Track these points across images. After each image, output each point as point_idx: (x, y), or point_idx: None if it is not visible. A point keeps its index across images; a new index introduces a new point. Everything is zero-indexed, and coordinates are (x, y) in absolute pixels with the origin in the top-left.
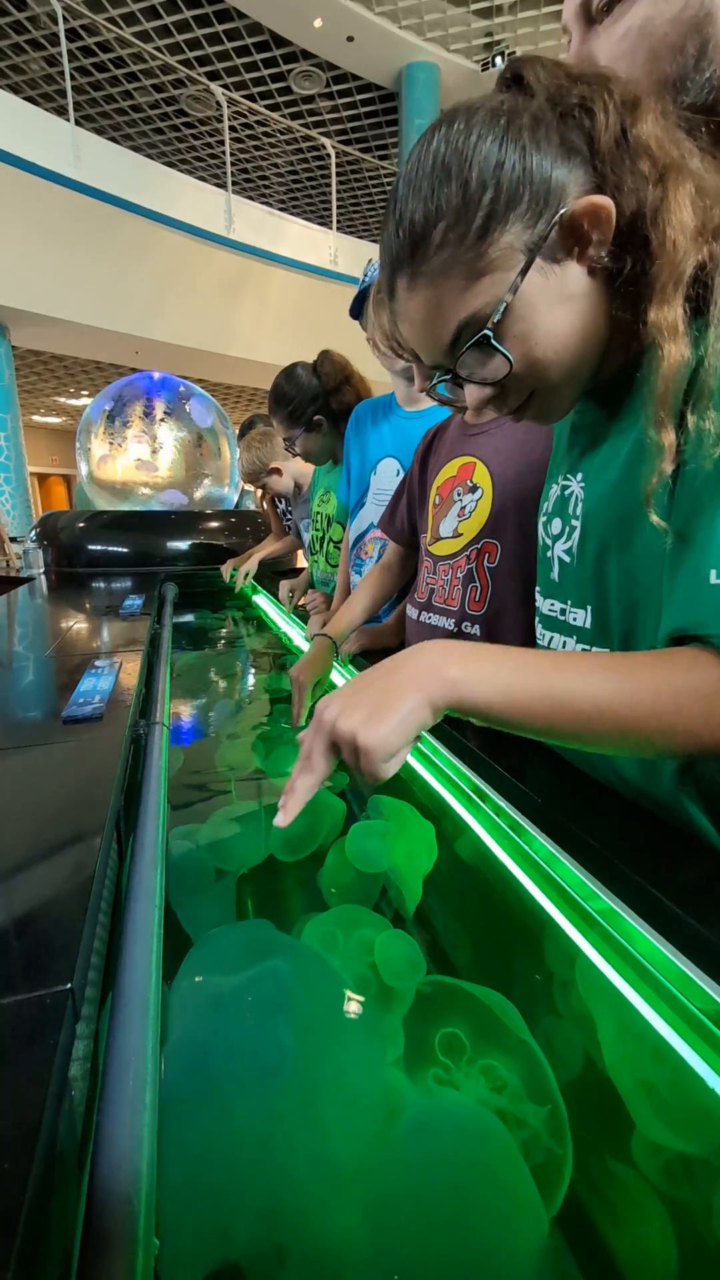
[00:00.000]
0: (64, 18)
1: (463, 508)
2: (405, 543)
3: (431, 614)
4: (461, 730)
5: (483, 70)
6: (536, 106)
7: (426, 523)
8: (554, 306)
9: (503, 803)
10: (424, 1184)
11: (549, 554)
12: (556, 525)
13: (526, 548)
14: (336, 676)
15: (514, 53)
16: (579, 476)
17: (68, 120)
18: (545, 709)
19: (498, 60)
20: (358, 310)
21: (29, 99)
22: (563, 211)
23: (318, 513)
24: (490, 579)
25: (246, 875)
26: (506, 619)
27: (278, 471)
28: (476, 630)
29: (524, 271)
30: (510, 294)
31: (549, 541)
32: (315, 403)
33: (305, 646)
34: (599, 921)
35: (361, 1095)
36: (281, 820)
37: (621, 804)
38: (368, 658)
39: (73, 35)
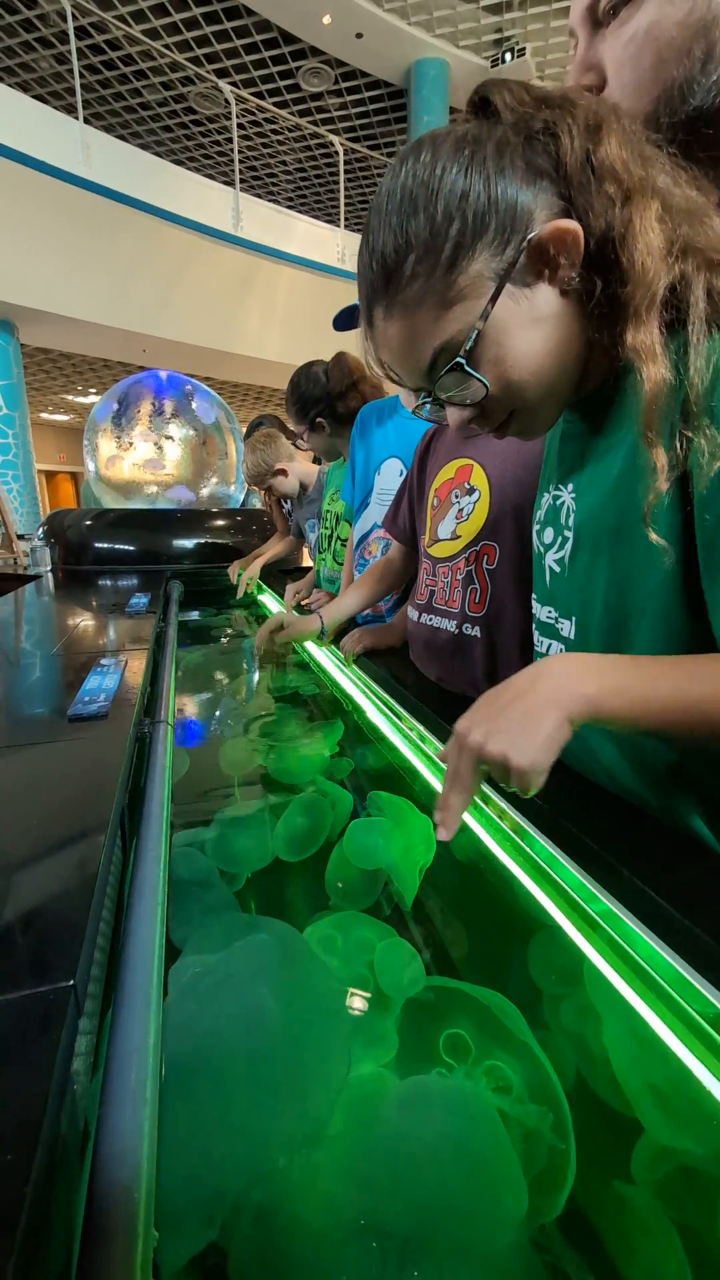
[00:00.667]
0: (73, 15)
1: (460, 510)
2: (407, 542)
3: (432, 615)
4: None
5: (492, 66)
6: (502, 133)
7: (425, 524)
8: (526, 329)
9: (504, 804)
10: (408, 1155)
11: (543, 562)
12: (549, 534)
13: (524, 549)
14: (320, 654)
15: (523, 49)
16: (569, 488)
17: (76, 118)
18: (682, 718)
19: (507, 56)
20: (342, 324)
21: (38, 97)
22: (530, 237)
23: (328, 511)
24: (490, 580)
25: (252, 876)
26: (506, 620)
27: (283, 472)
28: (477, 631)
29: (494, 298)
30: (481, 321)
31: (541, 550)
32: (319, 404)
33: (311, 648)
34: (599, 923)
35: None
36: (444, 836)
37: (621, 806)
38: (371, 657)
39: (81, 33)
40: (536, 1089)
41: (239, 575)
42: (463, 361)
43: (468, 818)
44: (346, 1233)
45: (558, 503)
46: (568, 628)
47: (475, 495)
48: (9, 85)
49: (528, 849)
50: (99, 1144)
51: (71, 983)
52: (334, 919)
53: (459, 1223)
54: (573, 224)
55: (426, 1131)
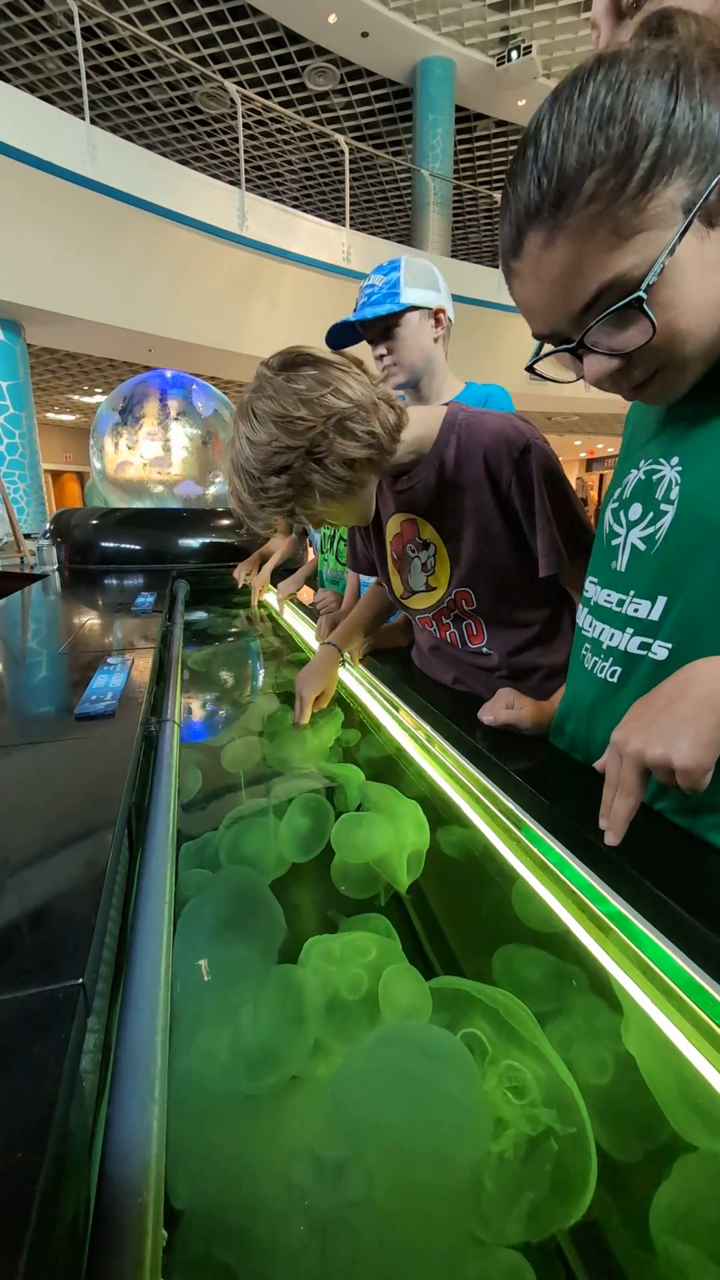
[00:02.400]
0: (80, 16)
1: (424, 564)
2: (373, 574)
3: (439, 657)
4: (471, 731)
5: (498, 65)
6: (704, 53)
7: (389, 575)
8: (704, 275)
9: (511, 804)
10: (380, 1088)
11: (616, 542)
12: (636, 510)
13: (500, 578)
14: (351, 680)
15: (529, 47)
16: (674, 460)
17: (83, 119)
18: None
19: (513, 55)
20: (335, 342)
21: (45, 98)
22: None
23: None
24: (480, 615)
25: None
26: (511, 636)
27: None
28: (483, 648)
29: (683, 232)
30: (668, 255)
31: (619, 529)
32: None
33: (316, 645)
34: (609, 925)
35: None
36: (613, 841)
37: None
38: (378, 658)
39: (88, 34)
40: (550, 1092)
41: (246, 578)
42: (643, 296)
43: (472, 815)
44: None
45: (655, 477)
46: (646, 609)
47: (431, 549)
48: (16, 86)
49: (534, 848)
50: (108, 1142)
51: (80, 981)
52: (333, 944)
53: (404, 1154)
54: None
55: (391, 1066)
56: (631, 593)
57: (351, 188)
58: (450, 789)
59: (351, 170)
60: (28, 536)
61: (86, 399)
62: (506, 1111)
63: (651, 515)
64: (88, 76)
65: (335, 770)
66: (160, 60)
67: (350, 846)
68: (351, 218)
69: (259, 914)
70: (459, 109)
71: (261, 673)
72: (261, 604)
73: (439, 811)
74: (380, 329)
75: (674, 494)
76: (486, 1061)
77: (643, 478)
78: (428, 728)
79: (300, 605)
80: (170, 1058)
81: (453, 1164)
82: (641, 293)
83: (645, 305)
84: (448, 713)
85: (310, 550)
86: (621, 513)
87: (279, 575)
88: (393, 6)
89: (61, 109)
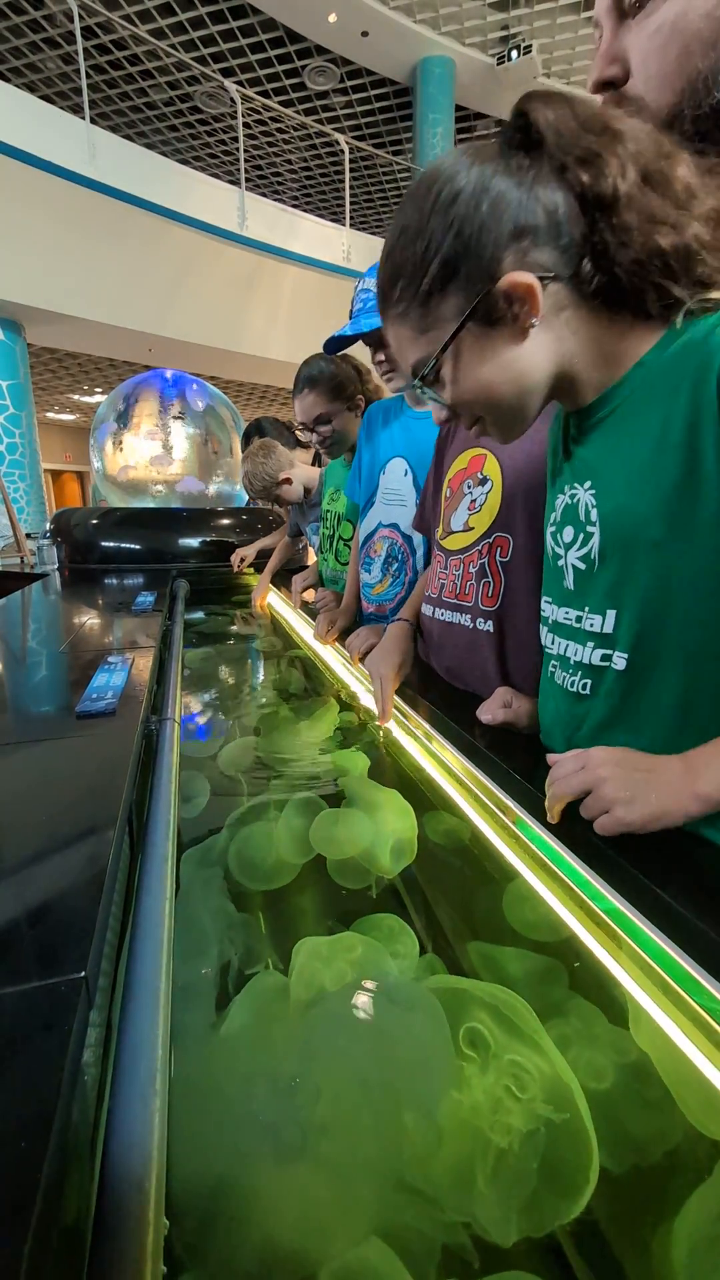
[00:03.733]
0: (79, 15)
1: (473, 500)
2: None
3: (444, 610)
4: (470, 730)
5: (498, 64)
6: (513, 168)
7: (439, 516)
8: (483, 365)
9: (510, 802)
10: (349, 1032)
11: (560, 563)
12: (569, 533)
13: (537, 541)
14: (326, 654)
15: (529, 47)
16: (586, 485)
17: (83, 118)
18: None
19: (513, 54)
20: (334, 348)
21: (45, 97)
22: (491, 287)
23: (328, 510)
24: (503, 573)
25: (262, 876)
26: (519, 613)
27: (288, 481)
28: (490, 626)
29: (454, 335)
30: (440, 353)
31: (560, 550)
32: (353, 382)
33: (316, 646)
34: (606, 921)
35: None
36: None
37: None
38: None
39: (88, 33)
40: (551, 1088)
41: (241, 564)
42: (417, 384)
43: (471, 813)
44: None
45: (574, 500)
46: (600, 622)
47: (488, 485)
48: (15, 85)
49: (533, 846)
50: (110, 1134)
51: (83, 974)
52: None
53: (359, 1083)
54: (526, 279)
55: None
56: (586, 609)
57: (351, 187)
58: (449, 786)
59: (351, 169)
60: (28, 536)
61: (86, 399)
62: (507, 1106)
63: (582, 537)
64: (88, 76)
65: (337, 761)
66: (160, 60)
67: (331, 843)
68: (351, 217)
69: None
70: (459, 108)
71: (261, 671)
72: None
73: (433, 803)
74: (379, 336)
75: (594, 516)
76: (489, 1055)
77: (569, 501)
78: (426, 725)
79: (303, 605)
80: (172, 1050)
81: (405, 1100)
82: (417, 382)
83: (430, 388)
84: (446, 710)
85: (310, 552)
86: (558, 535)
87: (278, 577)
88: (393, 6)
89: (61, 108)
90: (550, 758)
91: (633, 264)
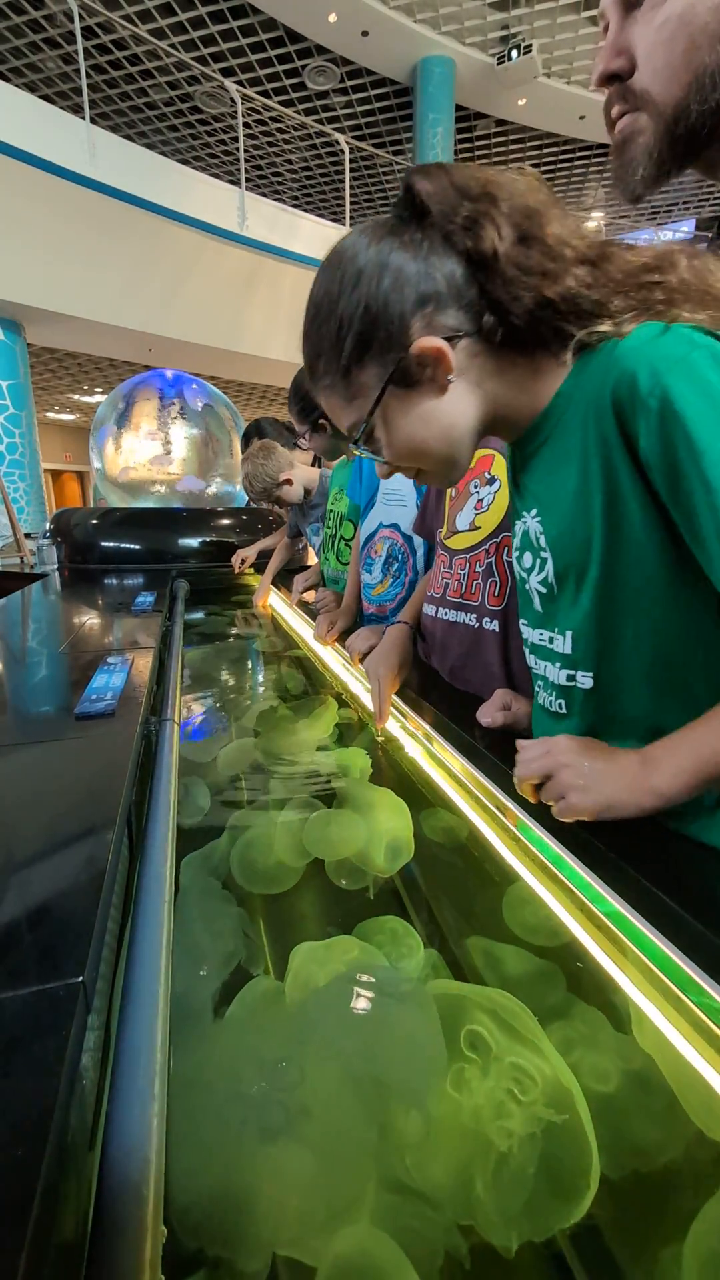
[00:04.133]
0: (80, 15)
1: (480, 500)
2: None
3: (448, 609)
4: (470, 730)
5: (498, 64)
6: (408, 241)
7: (443, 517)
8: (409, 423)
9: (511, 804)
10: (341, 1019)
11: (526, 587)
12: (528, 559)
13: None
14: (326, 654)
15: (529, 46)
16: (534, 512)
17: (83, 118)
18: None
19: (513, 54)
20: None
21: (45, 97)
22: (403, 354)
23: (331, 510)
24: (510, 573)
25: (261, 880)
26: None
27: (288, 482)
28: (495, 626)
29: (378, 400)
30: (369, 417)
31: (524, 575)
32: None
33: (316, 648)
34: (607, 924)
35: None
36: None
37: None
38: None
39: (88, 33)
40: (551, 1091)
41: (242, 566)
42: (353, 445)
43: (472, 814)
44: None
45: (525, 528)
46: (561, 643)
47: (496, 485)
48: (16, 85)
49: (533, 848)
50: (108, 1140)
51: (81, 979)
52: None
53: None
54: (434, 343)
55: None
56: (555, 629)
57: (352, 187)
58: (449, 787)
59: (351, 169)
60: (28, 536)
61: (86, 398)
62: (508, 1110)
63: (539, 563)
64: (88, 76)
65: (336, 761)
66: (160, 60)
67: (324, 844)
68: (352, 217)
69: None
70: (459, 108)
71: (262, 672)
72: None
73: (433, 803)
74: None
75: (543, 542)
76: (491, 1058)
77: (524, 528)
78: (427, 726)
79: (303, 605)
80: (170, 1055)
81: (390, 1090)
82: (351, 445)
83: (363, 446)
84: (446, 712)
85: (310, 552)
86: (520, 561)
87: (279, 578)
88: (392, 6)
89: (61, 108)
90: (519, 742)
91: (526, 314)
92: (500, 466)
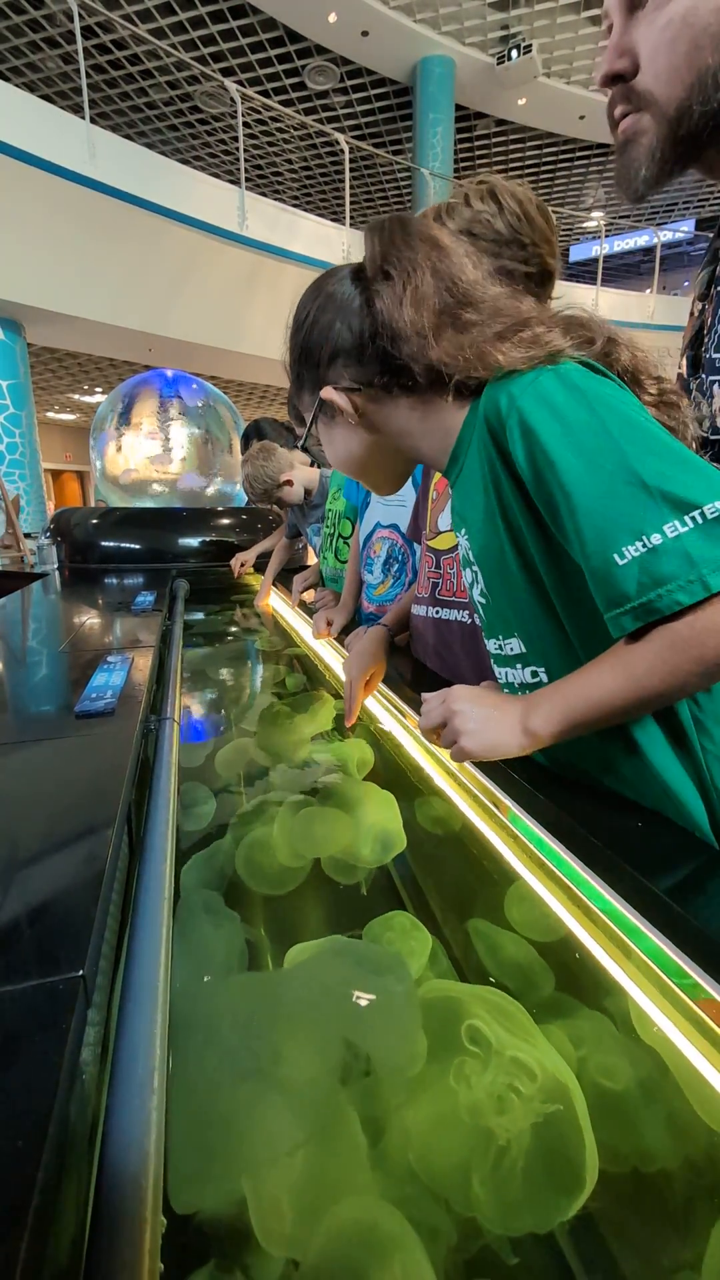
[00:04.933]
0: (79, 15)
1: None
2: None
3: (439, 608)
4: None
5: (498, 64)
6: (342, 300)
7: (426, 518)
8: (334, 442)
9: (505, 797)
10: (323, 986)
11: (475, 600)
12: (468, 575)
13: None
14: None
15: (529, 46)
16: (463, 531)
17: (83, 118)
18: (599, 718)
19: (513, 54)
20: None
21: (45, 97)
22: (318, 396)
23: (330, 509)
24: None
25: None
26: None
27: (289, 483)
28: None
29: (311, 423)
30: (307, 430)
31: (470, 591)
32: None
33: (315, 645)
34: (602, 918)
35: None
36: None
37: (618, 798)
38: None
39: (88, 33)
40: (548, 1085)
41: (242, 568)
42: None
43: (465, 808)
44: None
45: (461, 548)
46: (515, 645)
47: None
48: (16, 85)
49: (527, 841)
50: (108, 1133)
51: (81, 973)
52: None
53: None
54: (333, 395)
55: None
56: (500, 636)
57: (351, 187)
58: (444, 781)
59: (351, 169)
60: (28, 536)
61: (87, 398)
62: (504, 1105)
63: (474, 576)
64: (87, 75)
65: (333, 756)
66: (160, 59)
67: (309, 842)
68: (351, 217)
69: None
70: (459, 108)
71: (261, 671)
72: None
73: (425, 794)
74: None
75: (473, 556)
76: (491, 1052)
77: (461, 549)
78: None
79: (303, 606)
80: (170, 1050)
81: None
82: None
83: (310, 450)
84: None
85: (310, 552)
86: (466, 578)
87: (279, 577)
88: (392, 5)
89: (61, 108)
90: (423, 695)
91: (420, 370)
92: None
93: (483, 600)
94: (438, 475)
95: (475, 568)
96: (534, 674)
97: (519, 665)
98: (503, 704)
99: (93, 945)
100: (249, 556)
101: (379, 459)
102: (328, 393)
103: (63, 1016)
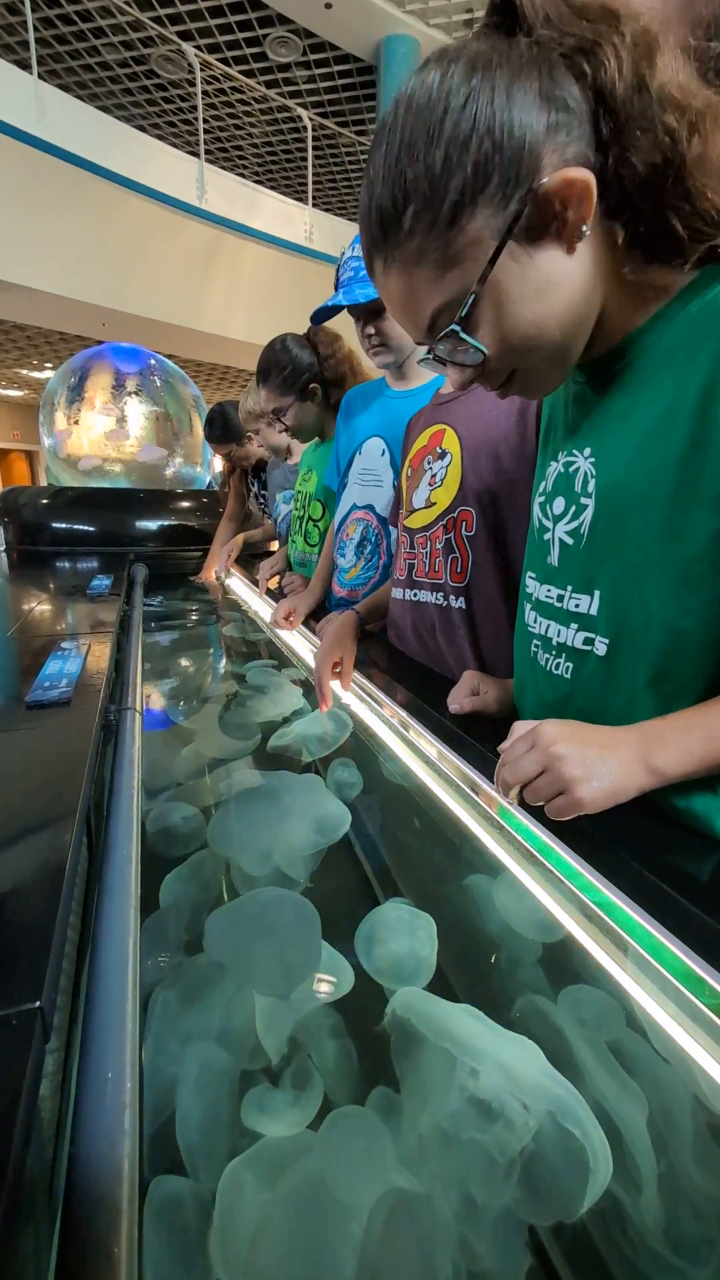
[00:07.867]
0: None
1: (433, 475)
2: None
3: (416, 590)
4: (455, 720)
5: None
6: (522, 53)
7: (402, 497)
8: (528, 293)
9: (486, 784)
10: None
11: (547, 536)
12: (559, 504)
13: (501, 515)
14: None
15: None
16: (586, 452)
17: (30, 73)
18: None
19: None
20: (320, 318)
21: None
22: (536, 188)
23: (299, 490)
24: (470, 548)
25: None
26: (487, 588)
27: (287, 428)
28: (461, 603)
29: (493, 260)
30: (479, 285)
31: (548, 523)
32: (310, 370)
33: (284, 634)
34: (591, 907)
35: None
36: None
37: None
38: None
39: None
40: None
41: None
42: (457, 329)
43: (457, 807)
44: None
45: (571, 469)
46: (586, 603)
47: (447, 459)
48: None
49: (510, 829)
50: (71, 1188)
51: (38, 1004)
52: None
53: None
54: (582, 174)
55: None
56: (569, 588)
57: (314, 165)
58: (424, 773)
59: (314, 147)
60: None
61: (36, 374)
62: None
63: (574, 509)
64: (35, 29)
65: (296, 737)
66: (114, 18)
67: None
68: (314, 197)
69: None
70: None
71: (224, 658)
72: (224, 587)
73: (410, 792)
74: (368, 309)
75: (591, 487)
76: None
77: (562, 470)
78: (403, 714)
79: (270, 594)
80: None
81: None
82: (455, 324)
83: (465, 332)
84: (418, 693)
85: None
86: (547, 506)
87: (244, 562)
88: None
89: (6, 62)
90: (503, 746)
91: (640, 182)
92: (451, 440)
93: (568, 539)
94: (414, 450)
95: (588, 499)
96: (588, 641)
97: (573, 625)
98: (610, 739)
99: (50, 971)
100: (228, 554)
101: (586, 310)
102: (570, 173)
103: (17, 1057)
